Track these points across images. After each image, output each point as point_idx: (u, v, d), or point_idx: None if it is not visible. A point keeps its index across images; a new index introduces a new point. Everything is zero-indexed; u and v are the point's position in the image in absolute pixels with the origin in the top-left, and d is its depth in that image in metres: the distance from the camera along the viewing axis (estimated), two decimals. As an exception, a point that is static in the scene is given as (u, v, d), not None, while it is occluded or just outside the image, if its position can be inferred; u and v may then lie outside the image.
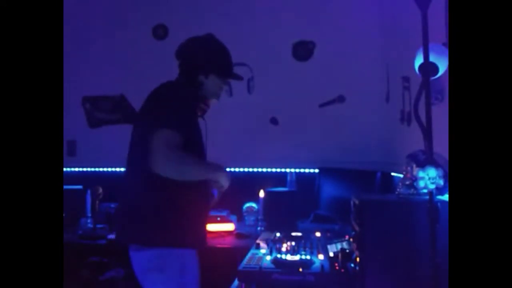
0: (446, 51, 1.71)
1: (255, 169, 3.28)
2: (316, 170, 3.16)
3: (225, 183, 1.79)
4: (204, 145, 1.90)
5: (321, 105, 3.22)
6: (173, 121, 1.64)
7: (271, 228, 2.64)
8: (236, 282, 1.86)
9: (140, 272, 1.76)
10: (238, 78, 1.99)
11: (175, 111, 1.69)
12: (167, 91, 1.81)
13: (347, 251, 1.85)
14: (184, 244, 1.76)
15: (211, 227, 2.78)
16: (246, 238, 2.67)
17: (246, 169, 3.29)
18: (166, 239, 1.72)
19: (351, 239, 1.90)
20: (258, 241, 2.23)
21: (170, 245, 1.72)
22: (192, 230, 1.81)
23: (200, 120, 1.93)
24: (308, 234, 2.42)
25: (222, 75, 1.94)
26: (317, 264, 1.82)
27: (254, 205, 3.03)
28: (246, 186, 3.10)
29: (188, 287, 1.77)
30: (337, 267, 1.81)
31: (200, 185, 1.81)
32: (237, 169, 3.29)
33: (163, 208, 1.73)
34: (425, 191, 1.39)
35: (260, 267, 1.80)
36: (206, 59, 1.89)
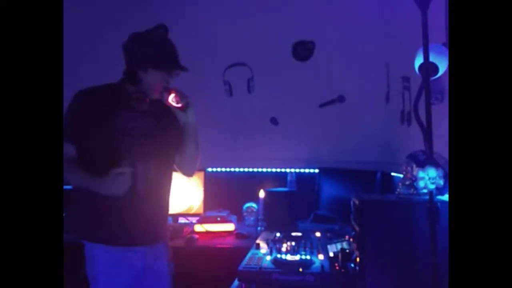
0: (446, 51, 1.71)
1: (255, 169, 3.28)
2: (316, 170, 3.16)
3: (112, 192, 1.71)
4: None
5: (321, 105, 3.22)
6: (65, 132, 1.69)
7: (271, 228, 2.64)
8: (236, 282, 1.86)
9: None
10: (182, 69, 1.87)
11: (70, 120, 1.75)
12: (74, 98, 1.85)
13: (347, 251, 1.85)
14: (92, 239, 1.78)
15: (211, 227, 2.78)
16: (246, 238, 2.67)
17: (246, 169, 3.29)
18: (81, 234, 1.81)
19: (351, 239, 1.90)
20: (258, 241, 2.23)
21: (84, 239, 1.81)
22: (102, 226, 1.78)
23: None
24: (308, 234, 2.42)
25: (162, 67, 1.84)
26: (317, 264, 1.83)
27: (254, 205, 3.03)
28: (246, 186, 3.11)
29: (98, 281, 1.78)
30: (337, 267, 1.81)
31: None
32: (237, 169, 3.29)
33: (79, 205, 1.81)
34: (425, 191, 1.39)
35: (260, 267, 1.80)
36: (142, 53, 1.82)
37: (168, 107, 1.85)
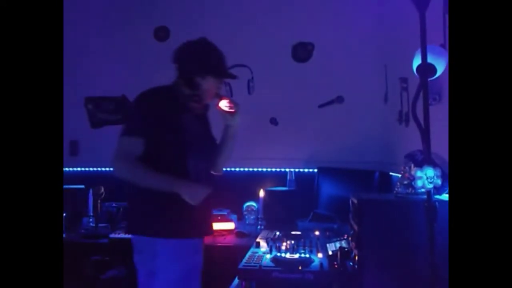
0: (443, 52, 1.73)
1: (255, 169, 3.30)
2: (315, 170, 3.17)
3: (189, 200, 1.78)
4: (194, 146, 1.93)
5: (320, 106, 3.23)
6: (135, 129, 1.83)
7: (271, 227, 2.66)
8: (236, 280, 1.87)
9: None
10: (233, 77, 2.05)
11: (140, 118, 1.85)
12: (142, 98, 1.90)
13: (346, 249, 1.86)
14: (156, 233, 1.84)
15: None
16: (246, 237, 2.68)
17: (246, 169, 3.30)
18: (142, 229, 1.89)
19: (349, 238, 1.92)
20: (258, 239, 2.25)
21: (143, 234, 1.88)
22: (165, 220, 1.85)
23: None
24: (307, 233, 2.44)
25: (218, 75, 2.00)
26: (316, 263, 1.84)
27: (254, 204, 3.05)
28: (246, 185, 3.12)
29: (158, 274, 1.85)
30: (336, 266, 1.83)
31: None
32: (237, 169, 3.31)
33: (140, 201, 1.89)
34: (423, 190, 1.40)
35: (260, 266, 1.81)
36: (202, 61, 1.95)
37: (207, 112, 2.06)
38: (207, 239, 2.64)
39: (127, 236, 2.62)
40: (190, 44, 1.99)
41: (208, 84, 1.96)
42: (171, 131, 1.86)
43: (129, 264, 1.99)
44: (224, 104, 2.02)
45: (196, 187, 1.82)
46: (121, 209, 2.95)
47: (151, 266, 1.85)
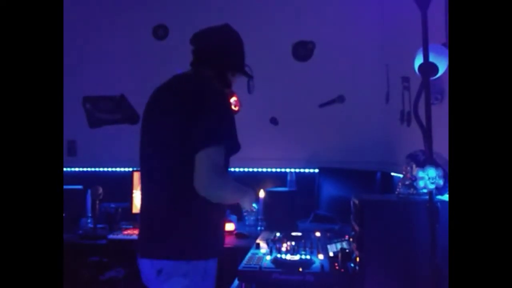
0: (445, 51, 1.71)
1: (255, 169, 3.28)
2: (316, 170, 3.16)
3: (248, 206, 1.78)
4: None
5: (321, 105, 3.22)
6: (223, 135, 1.58)
7: (271, 228, 2.64)
8: (236, 282, 1.86)
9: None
10: (251, 76, 1.95)
11: (224, 120, 1.60)
12: (210, 92, 1.64)
13: (347, 251, 1.85)
14: (209, 254, 1.69)
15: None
16: (246, 238, 2.67)
17: (246, 169, 3.29)
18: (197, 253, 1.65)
19: (351, 239, 1.90)
20: (258, 241, 2.23)
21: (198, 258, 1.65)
22: (218, 240, 1.75)
23: None
24: (308, 234, 2.42)
25: (245, 73, 1.89)
26: (317, 264, 1.83)
27: (254, 205, 3.03)
28: (246, 185, 3.11)
29: None
30: (337, 267, 1.81)
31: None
32: (237, 169, 3.29)
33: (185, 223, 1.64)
34: (424, 191, 1.39)
35: (260, 267, 1.80)
36: (235, 56, 1.83)
37: None
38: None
39: (125, 237, 2.61)
40: (219, 31, 1.81)
41: (234, 80, 1.86)
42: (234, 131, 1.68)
43: (128, 266, 1.98)
44: (232, 101, 1.95)
45: (252, 193, 1.78)
46: (120, 210, 2.93)
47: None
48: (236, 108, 1.92)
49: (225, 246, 2.53)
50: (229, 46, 1.82)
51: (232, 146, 1.63)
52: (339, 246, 2.04)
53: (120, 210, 2.93)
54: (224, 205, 1.80)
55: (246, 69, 1.90)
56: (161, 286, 1.61)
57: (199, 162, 1.53)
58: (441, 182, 1.34)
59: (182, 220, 1.62)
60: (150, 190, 1.71)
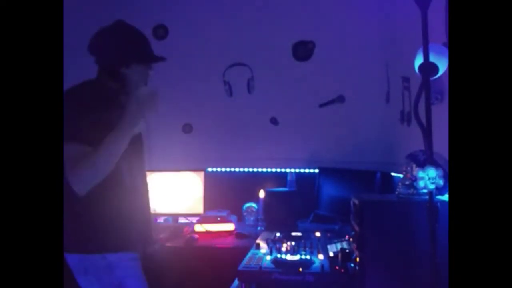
0: (446, 51, 1.71)
1: (255, 169, 3.28)
2: (316, 170, 3.16)
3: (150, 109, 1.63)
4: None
5: (321, 105, 3.22)
6: (76, 132, 1.55)
7: (271, 228, 2.64)
8: (236, 282, 1.86)
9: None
10: (161, 59, 1.82)
11: (78, 119, 1.58)
12: (72, 95, 1.66)
13: (347, 251, 1.85)
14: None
15: (211, 227, 2.78)
16: (246, 238, 2.66)
17: (246, 169, 3.29)
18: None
19: (351, 239, 1.90)
20: (258, 241, 2.23)
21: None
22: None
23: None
24: (308, 234, 2.42)
25: (143, 61, 1.80)
26: (317, 264, 1.83)
27: (254, 205, 3.03)
28: (246, 186, 3.11)
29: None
30: (337, 267, 1.81)
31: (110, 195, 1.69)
32: (237, 169, 3.29)
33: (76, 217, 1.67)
34: (425, 191, 1.39)
35: (260, 267, 1.80)
36: (123, 49, 1.75)
37: None
38: (207, 241, 2.63)
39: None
40: (104, 31, 1.78)
41: (134, 73, 1.76)
42: (104, 131, 1.60)
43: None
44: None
45: (138, 98, 1.61)
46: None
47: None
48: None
49: (225, 246, 2.56)
50: (111, 42, 1.77)
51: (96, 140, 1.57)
52: (339, 246, 2.03)
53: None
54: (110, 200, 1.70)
55: (149, 54, 1.82)
56: None
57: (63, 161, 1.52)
58: (441, 182, 1.34)
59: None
60: None
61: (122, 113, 1.62)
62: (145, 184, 1.88)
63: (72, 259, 1.67)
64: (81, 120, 1.60)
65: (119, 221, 1.70)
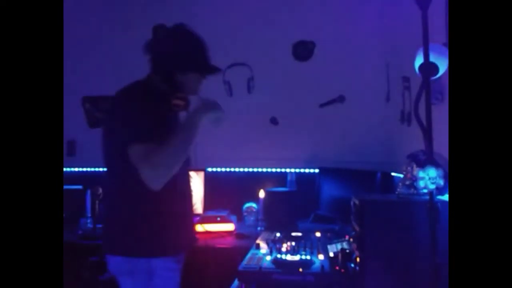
0: (446, 51, 1.71)
1: (255, 169, 3.28)
2: (316, 170, 3.16)
3: (216, 121, 1.69)
4: None
5: (321, 105, 3.22)
6: (144, 134, 1.56)
7: (271, 228, 2.64)
8: (236, 282, 1.85)
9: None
10: (217, 70, 1.84)
11: (144, 121, 1.59)
12: (132, 96, 1.70)
13: (347, 251, 1.85)
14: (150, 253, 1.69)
15: (211, 227, 2.78)
16: (246, 238, 2.66)
17: (246, 169, 3.29)
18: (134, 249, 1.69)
19: (351, 239, 1.90)
20: (258, 241, 2.23)
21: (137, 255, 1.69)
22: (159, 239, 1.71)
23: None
24: (308, 234, 2.42)
25: (201, 71, 1.81)
26: (317, 264, 1.82)
27: (254, 205, 3.03)
28: (246, 186, 3.11)
29: None
30: (337, 267, 1.81)
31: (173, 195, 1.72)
32: (237, 169, 3.29)
33: (135, 219, 1.69)
34: (425, 191, 1.39)
35: (260, 267, 1.79)
36: (183, 56, 1.74)
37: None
38: (207, 241, 2.63)
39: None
40: (167, 33, 1.78)
41: (188, 80, 1.77)
42: (162, 133, 1.60)
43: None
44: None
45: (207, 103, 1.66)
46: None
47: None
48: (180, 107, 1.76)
49: (225, 246, 2.56)
50: (173, 47, 1.77)
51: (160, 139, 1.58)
52: (339, 246, 2.03)
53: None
54: (180, 204, 1.77)
55: (208, 64, 1.82)
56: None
57: (132, 161, 1.56)
58: (441, 182, 1.34)
59: (122, 218, 1.70)
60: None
61: (190, 114, 1.66)
62: (190, 188, 1.90)
63: (114, 260, 1.70)
64: (142, 120, 1.60)
65: (168, 225, 1.72)
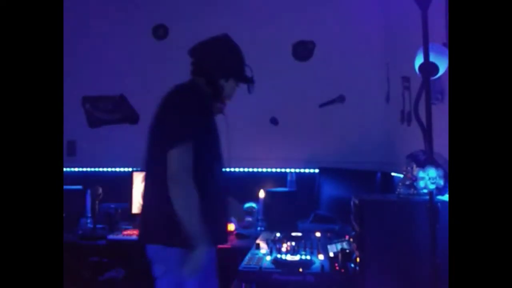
0: (446, 51, 1.71)
1: (255, 169, 3.28)
2: (316, 170, 3.15)
3: (190, 266, 1.67)
4: (220, 143, 1.95)
5: (321, 105, 3.21)
6: (188, 134, 1.68)
7: (271, 228, 2.64)
8: (236, 282, 1.85)
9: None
10: (252, 81, 2.02)
11: (190, 122, 1.72)
12: (183, 98, 1.79)
13: (347, 251, 1.85)
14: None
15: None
16: (246, 238, 2.66)
17: (246, 169, 3.29)
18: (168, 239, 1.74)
19: (351, 239, 1.90)
20: (258, 241, 2.23)
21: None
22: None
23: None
24: (308, 234, 2.42)
25: (240, 79, 1.98)
26: (317, 264, 1.83)
27: (254, 205, 3.03)
28: (246, 186, 3.10)
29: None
30: (337, 267, 1.81)
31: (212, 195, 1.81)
32: (236, 169, 3.28)
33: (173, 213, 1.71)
34: (425, 191, 1.39)
35: (260, 267, 1.80)
36: (228, 64, 1.92)
37: None
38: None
39: (125, 238, 2.61)
40: (215, 42, 1.94)
41: (229, 87, 1.94)
42: (210, 133, 1.83)
43: (127, 266, 1.97)
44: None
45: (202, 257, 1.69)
46: (119, 210, 2.92)
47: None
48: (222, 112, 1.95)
49: (225, 246, 2.55)
50: (220, 54, 1.92)
51: (201, 143, 1.72)
52: (339, 246, 2.03)
53: (119, 210, 2.92)
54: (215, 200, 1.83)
55: (246, 74, 1.99)
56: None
57: (168, 163, 1.67)
58: (441, 182, 1.34)
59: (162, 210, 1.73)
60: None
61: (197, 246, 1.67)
62: (226, 191, 1.99)
63: (151, 249, 1.78)
64: (190, 122, 1.72)
65: (203, 221, 1.72)
